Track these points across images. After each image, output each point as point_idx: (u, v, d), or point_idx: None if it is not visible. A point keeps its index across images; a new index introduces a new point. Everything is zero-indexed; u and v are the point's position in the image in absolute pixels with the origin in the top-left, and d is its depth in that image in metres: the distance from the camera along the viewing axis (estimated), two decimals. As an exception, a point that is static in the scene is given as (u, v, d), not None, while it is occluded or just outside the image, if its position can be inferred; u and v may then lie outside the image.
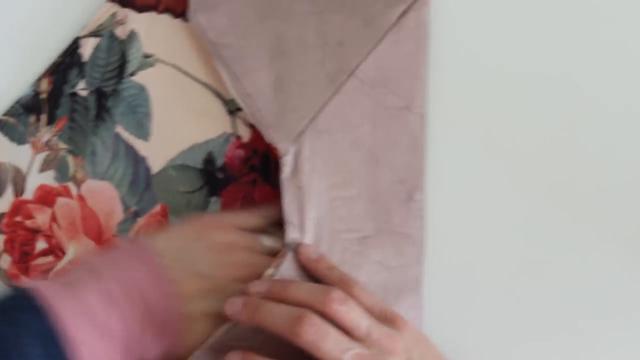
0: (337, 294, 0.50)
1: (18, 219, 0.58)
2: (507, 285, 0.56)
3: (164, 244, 0.53)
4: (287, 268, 0.54)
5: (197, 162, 0.58)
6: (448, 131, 0.57)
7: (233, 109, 0.58)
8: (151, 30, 0.58)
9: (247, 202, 0.58)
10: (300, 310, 0.49)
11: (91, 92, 0.58)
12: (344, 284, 0.52)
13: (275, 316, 0.49)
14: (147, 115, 0.58)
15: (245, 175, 0.58)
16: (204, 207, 0.58)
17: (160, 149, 0.58)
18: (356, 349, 0.49)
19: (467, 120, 0.57)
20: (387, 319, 0.52)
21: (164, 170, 0.58)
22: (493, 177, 0.57)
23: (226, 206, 0.58)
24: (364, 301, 0.52)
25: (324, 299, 0.50)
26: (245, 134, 0.58)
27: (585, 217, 0.56)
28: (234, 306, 0.51)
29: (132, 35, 0.58)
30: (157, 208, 0.58)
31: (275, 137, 0.55)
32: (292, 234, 0.54)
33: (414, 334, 0.52)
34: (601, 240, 0.56)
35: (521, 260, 0.56)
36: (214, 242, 0.54)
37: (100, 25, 0.58)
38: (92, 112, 0.58)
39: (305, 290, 0.51)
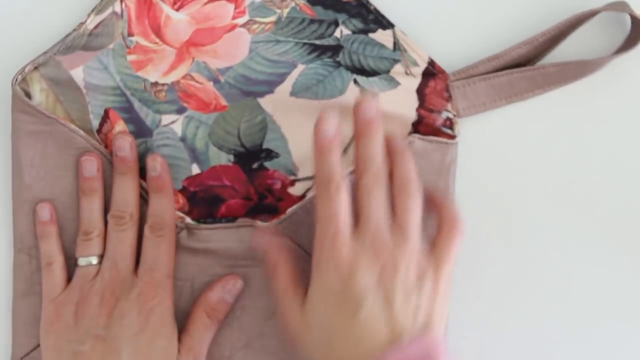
0: (372, 173, 0.52)
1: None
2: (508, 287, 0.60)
3: None
4: None
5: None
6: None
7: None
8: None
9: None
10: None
11: (351, 40, 0.59)
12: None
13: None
14: None
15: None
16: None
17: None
18: (341, 233, 0.51)
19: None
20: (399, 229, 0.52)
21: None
22: (496, 180, 0.60)
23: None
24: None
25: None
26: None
27: (587, 220, 0.60)
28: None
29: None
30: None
31: None
32: None
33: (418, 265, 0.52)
34: (603, 242, 0.60)
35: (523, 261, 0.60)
36: None
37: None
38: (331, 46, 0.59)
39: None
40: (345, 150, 0.58)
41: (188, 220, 0.57)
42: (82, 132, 0.57)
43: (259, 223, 0.57)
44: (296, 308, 0.53)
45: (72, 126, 0.57)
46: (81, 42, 0.58)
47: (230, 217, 0.58)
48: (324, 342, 0.51)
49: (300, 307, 0.53)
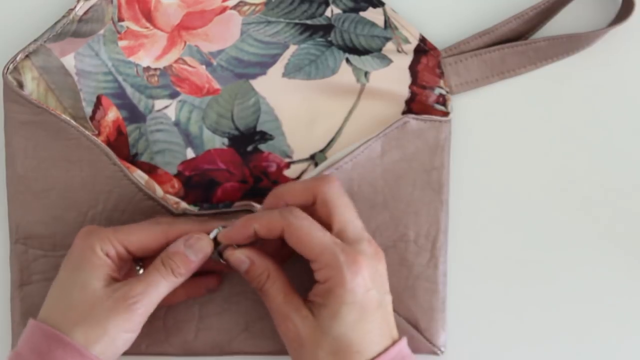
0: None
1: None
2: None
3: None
4: None
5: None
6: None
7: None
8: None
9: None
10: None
11: (342, 19, 0.59)
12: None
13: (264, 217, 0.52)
14: None
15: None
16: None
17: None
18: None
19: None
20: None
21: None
22: (498, 182, 0.60)
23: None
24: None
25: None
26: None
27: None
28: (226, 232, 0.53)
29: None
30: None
31: None
32: None
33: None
34: (605, 244, 0.60)
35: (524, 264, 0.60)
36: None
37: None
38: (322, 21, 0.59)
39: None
40: (338, 132, 0.58)
41: (184, 205, 0.57)
42: (73, 122, 0.56)
43: (256, 206, 0.56)
44: (305, 313, 0.52)
45: (63, 116, 0.56)
46: (71, 28, 0.57)
47: (227, 202, 0.58)
48: (340, 347, 0.50)
49: (309, 312, 0.52)
